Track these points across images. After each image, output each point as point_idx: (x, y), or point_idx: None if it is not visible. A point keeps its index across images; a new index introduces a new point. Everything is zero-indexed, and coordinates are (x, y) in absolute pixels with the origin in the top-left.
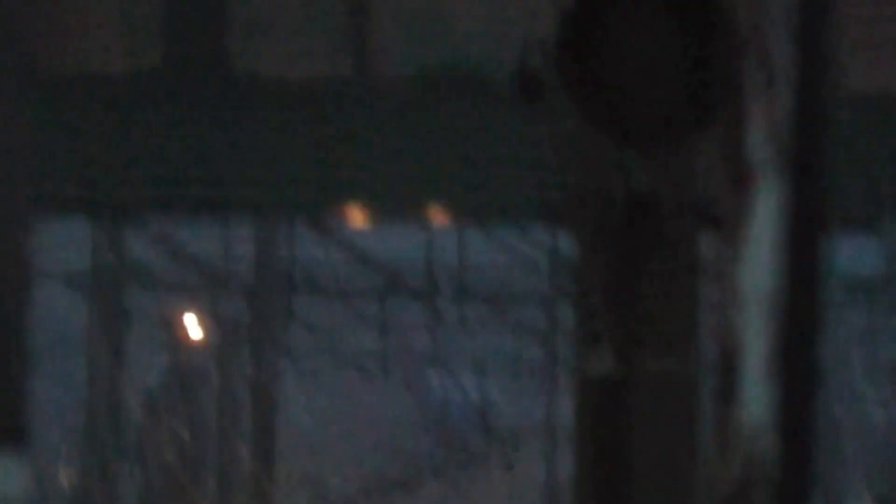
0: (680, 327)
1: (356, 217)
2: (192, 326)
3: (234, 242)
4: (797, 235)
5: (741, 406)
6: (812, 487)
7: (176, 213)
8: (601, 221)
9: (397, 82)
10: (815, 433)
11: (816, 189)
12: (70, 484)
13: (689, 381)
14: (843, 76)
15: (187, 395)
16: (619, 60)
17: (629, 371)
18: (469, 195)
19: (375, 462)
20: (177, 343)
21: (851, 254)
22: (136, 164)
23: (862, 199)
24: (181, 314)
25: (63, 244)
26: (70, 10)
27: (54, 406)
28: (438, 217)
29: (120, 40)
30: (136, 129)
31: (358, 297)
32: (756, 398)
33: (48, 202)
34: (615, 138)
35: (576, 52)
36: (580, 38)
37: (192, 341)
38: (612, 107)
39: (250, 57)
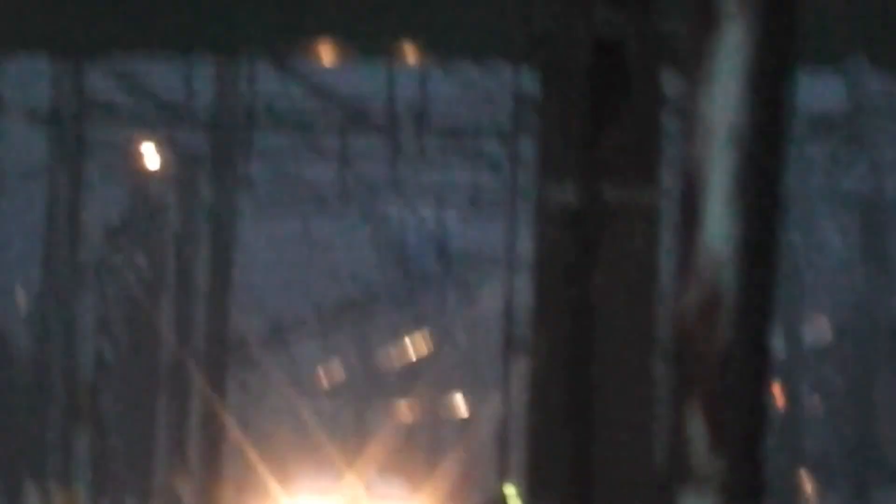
0: (642, 160)
1: (319, 55)
2: (151, 156)
3: (196, 80)
4: (761, 71)
5: (704, 234)
6: (771, 313)
7: (138, 52)
8: (566, 60)
9: None
10: (775, 260)
11: (781, 25)
12: (26, 305)
13: (649, 212)
14: None
15: (147, 225)
16: None
17: (590, 201)
18: (432, 32)
19: (333, 289)
20: (137, 174)
21: (814, 90)
22: (99, 3)
23: (826, 37)
24: (141, 146)
25: (26, 81)
26: None
27: (14, 232)
28: (402, 54)
29: None
30: None
31: (318, 131)
32: (719, 226)
33: (11, 39)
34: None
35: None
36: None
37: (152, 171)
38: None
39: None
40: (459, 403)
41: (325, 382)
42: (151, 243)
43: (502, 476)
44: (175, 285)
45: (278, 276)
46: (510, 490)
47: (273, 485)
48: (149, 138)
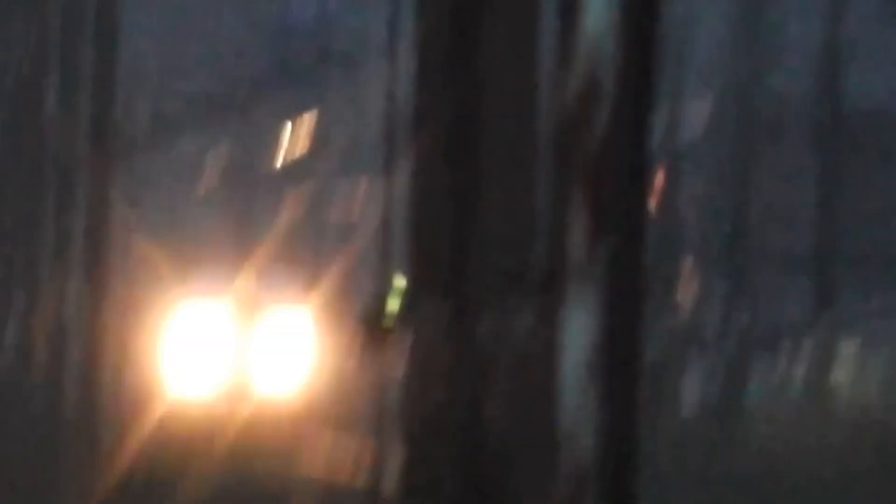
0: None
1: None
2: None
3: None
4: None
5: (583, 22)
6: (652, 101)
7: None
8: None
9: None
10: (655, 48)
11: None
12: None
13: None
14: None
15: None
16: None
17: None
18: None
19: (213, 77)
20: None
21: None
22: None
23: None
24: None
25: None
26: None
27: None
28: None
29: None
30: None
31: None
32: (598, 14)
33: None
34: None
35: None
36: None
37: None
38: None
39: None
40: (348, 197)
41: (208, 177)
42: (35, 24)
43: (388, 271)
44: (59, 69)
45: (161, 61)
46: (399, 282)
47: (163, 285)
48: None
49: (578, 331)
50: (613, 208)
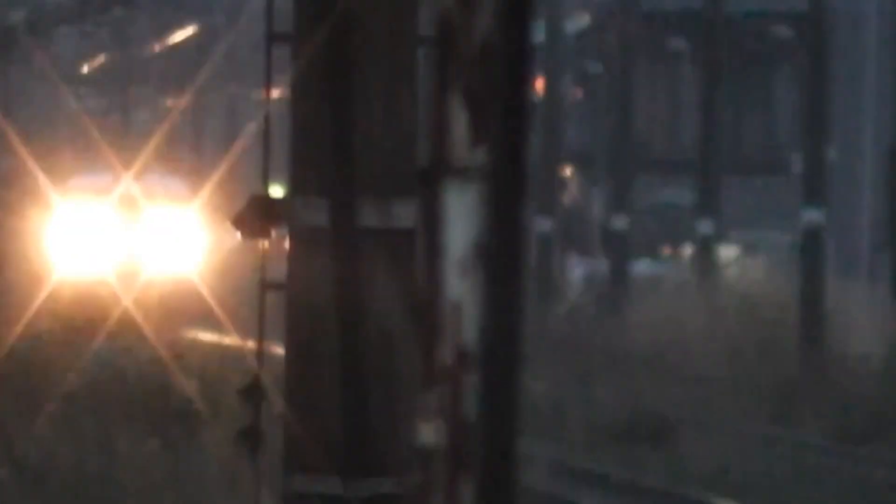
0: None
1: None
2: None
3: None
4: None
5: None
6: (533, 8)
7: None
8: None
9: None
10: None
11: None
12: None
13: None
14: None
15: None
16: None
17: None
18: None
19: None
20: None
21: None
22: None
23: None
24: None
25: None
26: None
27: None
28: None
29: None
30: None
31: None
32: None
33: None
34: None
35: None
36: None
37: None
38: None
39: None
40: (230, 98)
41: (87, 75)
42: None
43: (267, 175)
44: None
45: None
46: (275, 189)
47: (43, 184)
48: None
49: (459, 232)
50: (495, 113)
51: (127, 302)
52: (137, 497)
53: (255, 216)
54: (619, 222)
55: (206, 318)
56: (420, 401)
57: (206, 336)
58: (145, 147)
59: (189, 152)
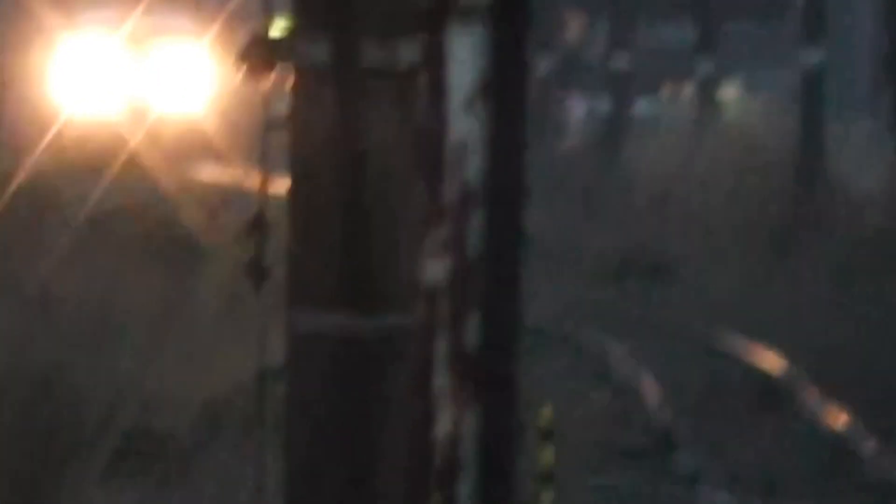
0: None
1: None
2: None
3: None
4: None
5: None
6: None
7: None
8: None
9: None
10: None
11: None
12: None
13: None
14: None
15: None
16: None
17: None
18: None
19: None
20: None
21: None
22: None
23: None
24: None
25: None
26: None
27: None
28: None
29: None
30: None
31: None
32: None
33: None
34: None
35: None
36: None
37: None
38: None
39: None
40: None
41: None
42: None
43: (271, 8)
44: None
45: None
46: (281, 23)
47: (49, 18)
48: None
49: (463, 72)
50: None
51: (136, 140)
52: (142, 324)
53: (257, 54)
54: (620, 61)
55: (215, 156)
56: (425, 238)
57: (214, 173)
58: None
59: None
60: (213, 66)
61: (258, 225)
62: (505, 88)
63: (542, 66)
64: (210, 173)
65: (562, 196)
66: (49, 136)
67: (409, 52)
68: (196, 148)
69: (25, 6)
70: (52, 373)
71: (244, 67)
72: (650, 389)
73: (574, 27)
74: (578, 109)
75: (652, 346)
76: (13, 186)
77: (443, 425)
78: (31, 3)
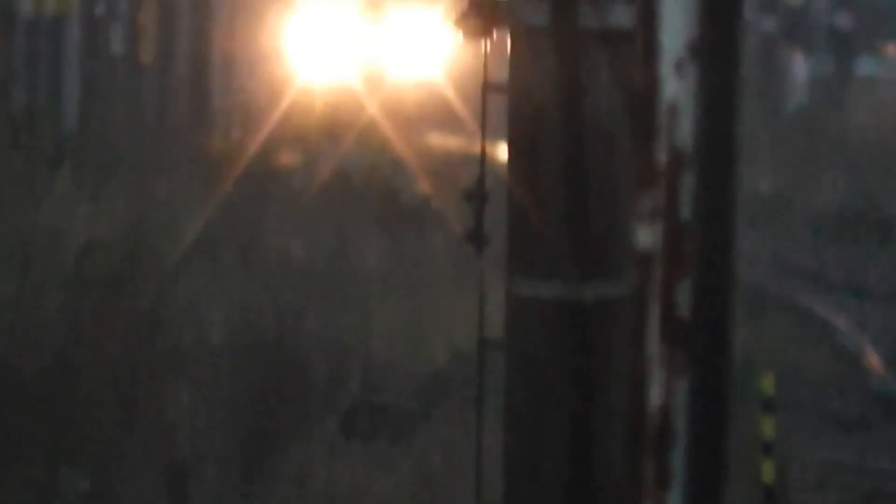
0: None
1: None
2: None
3: None
4: None
5: None
6: None
7: None
8: None
9: None
10: None
11: None
12: None
13: None
14: None
15: None
16: None
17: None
18: None
19: None
20: None
21: None
22: None
23: None
24: None
25: None
26: None
27: None
28: None
29: None
30: None
31: None
32: None
33: None
34: None
35: None
36: None
37: None
38: None
39: None
40: None
41: None
42: None
43: None
44: None
45: None
46: None
47: None
48: None
49: (676, 32)
50: None
51: (370, 106)
52: (367, 289)
53: (477, 17)
54: (843, 20)
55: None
56: (636, 203)
57: (447, 139)
58: None
59: None
60: (447, 32)
61: (478, 191)
62: (717, 50)
63: (766, 23)
64: (442, 139)
65: (784, 154)
66: (284, 103)
67: (622, 14)
68: (429, 114)
69: None
70: (281, 336)
71: (464, 30)
72: (872, 356)
73: None
74: (801, 67)
75: (875, 309)
76: (248, 152)
77: (655, 393)
78: None
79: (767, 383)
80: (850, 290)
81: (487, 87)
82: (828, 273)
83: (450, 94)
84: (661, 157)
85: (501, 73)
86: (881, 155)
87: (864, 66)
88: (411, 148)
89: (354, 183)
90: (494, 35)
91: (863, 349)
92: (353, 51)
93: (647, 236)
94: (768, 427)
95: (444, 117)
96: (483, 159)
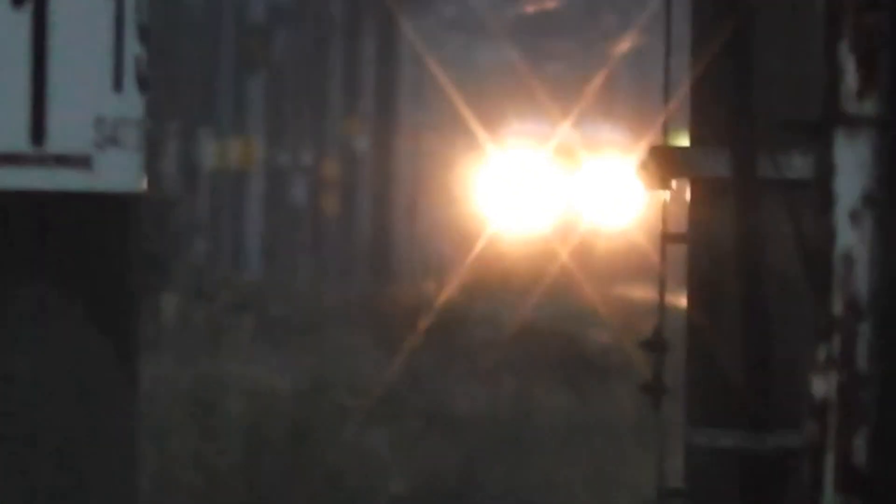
0: None
1: None
2: None
3: None
4: None
5: None
6: None
7: None
8: None
9: None
10: None
11: None
12: None
13: None
14: None
15: None
16: None
17: None
18: None
19: None
20: None
21: None
22: None
23: None
24: None
25: None
26: None
27: None
28: None
29: None
30: None
31: None
32: None
33: None
34: None
35: None
36: None
37: None
38: None
39: None
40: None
41: (501, 24)
42: None
43: (667, 126)
44: None
45: None
46: (679, 135)
47: (473, 130)
48: None
49: (851, 183)
50: (885, 58)
51: (564, 257)
52: (545, 443)
53: (656, 166)
54: None
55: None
56: (813, 352)
57: (638, 289)
58: (585, 92)
59: (630, 95)
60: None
61: (656, 341)
62: (893, 200)
63: None
64: (629, 289)
65: None
66: (472, 253)
67: (799, 164)
68: (618, 264)
69: (454, 121)
70: (463, 489)
71: (644, 179)
72: None
73: None
74: None
75: None
76: (433, 304)
77: None
78: (459, 117)
79: None
80: None
81: (666, 237)
82: None
83: (640, 243)
84: (837, 306)
85: (682, 223)
86: None
87: None
88: (598, 298)
89: (540, 333)
90: (674, 184)
91: None
92: (544, 200)
93: (822, 386)
94: None
95: (634, 268)
96: (662, 309)
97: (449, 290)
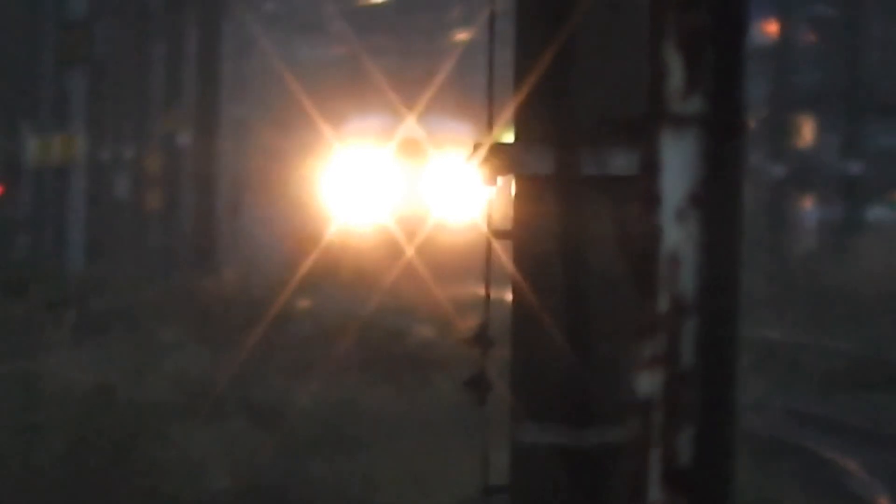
0: None
1: None
2: None
3: None
4: None
5: None
6: None
7: None
8: None
9: None
10: None
11: None
12: None
13: None
14: None
15: None
16: None
17: None
18: None
19: None
20: None
21: None
22: None
23: None
24: None
25: None
26: None
27: None
28: None
29: None
30: None
31: None
32: None
33: None
34: None
35: None
36: None
37: None
38: None
39: None
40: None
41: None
42: None
43: (492, 122)
44: None
45: None
46: (505, 132)
47: (318, 129)
48: None
49: (676, 181)
50: (710, 56)
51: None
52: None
53: (482, 163)
54: (853, 167)
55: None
56: (637, 350)
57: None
58: (431, 87)
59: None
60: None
61: (481, 337)
62: (719, 198)
63: (775, 170)
64: (468, 285)
65: (793, 301)
66: (319, 245)
67: (624, 161)
68: (460, 259)
69: (302, 117)
70: (286, 483)
71: (480, 176)
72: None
73: (806, 132)
74: (811, 213)
75: (888, 460)
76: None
77: None
78: (304, 112)
79: None
80: (863, 437)
81: (492, 233)
82: (840, 420)
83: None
84: (663, 304)
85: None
86: (891, 302)
87: (874, 213)
88: (431, 293)
89: (367, 328)
90: (500, 181)
91: (875, 496)
92: (383, 194)
93: (647, 383)
94: None
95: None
96: (487, 305)
97: (274, 285)
